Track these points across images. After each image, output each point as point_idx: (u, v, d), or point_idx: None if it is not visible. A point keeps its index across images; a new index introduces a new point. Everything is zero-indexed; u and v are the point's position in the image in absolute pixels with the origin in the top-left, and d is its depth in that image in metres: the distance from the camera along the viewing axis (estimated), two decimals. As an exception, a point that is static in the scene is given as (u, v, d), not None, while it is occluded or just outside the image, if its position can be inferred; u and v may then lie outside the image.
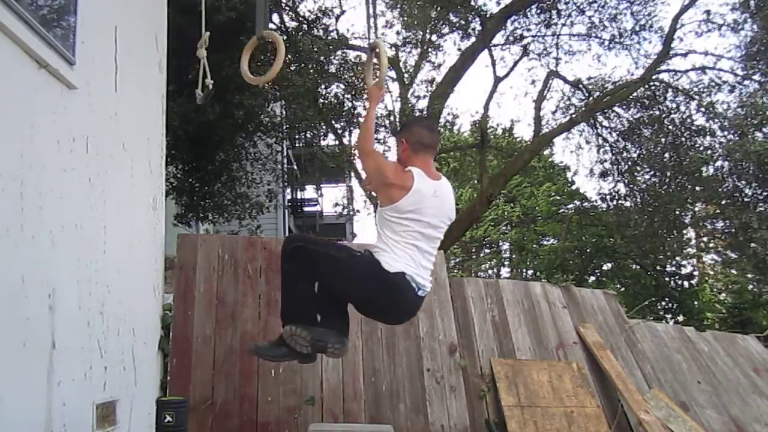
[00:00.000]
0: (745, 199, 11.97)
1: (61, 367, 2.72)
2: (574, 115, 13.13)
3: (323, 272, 2.65)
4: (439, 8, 12.23)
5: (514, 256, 21.35)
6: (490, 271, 22.28)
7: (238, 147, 8.59)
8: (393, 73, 12.83)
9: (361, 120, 11.11)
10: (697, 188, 12.40)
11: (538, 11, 12.47)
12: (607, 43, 12.64)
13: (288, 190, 15.79)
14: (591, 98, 13.01)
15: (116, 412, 3.29)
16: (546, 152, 17.74)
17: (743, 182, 11.97)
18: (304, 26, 10.29)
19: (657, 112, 12.65)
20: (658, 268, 16.44)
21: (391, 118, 12.12)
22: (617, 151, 13.53)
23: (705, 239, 16.74)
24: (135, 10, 3.90)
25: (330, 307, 2.71)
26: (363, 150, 2.72)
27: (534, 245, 19.44)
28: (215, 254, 4.75)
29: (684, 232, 14.98)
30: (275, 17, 9.67)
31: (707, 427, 5.49)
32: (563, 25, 12.69)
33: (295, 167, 15.78)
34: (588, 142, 14.05)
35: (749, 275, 15.09)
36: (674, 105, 12.58)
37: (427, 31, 13.03)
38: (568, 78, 13.50)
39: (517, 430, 4.72)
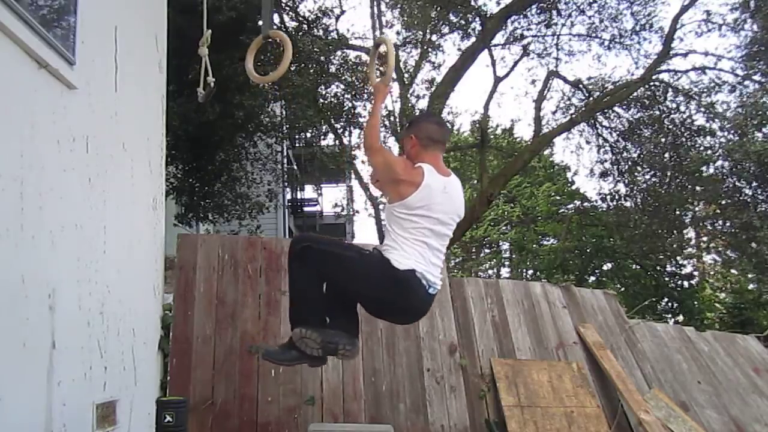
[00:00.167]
0: (746, 199, 11.97)
1: (61, 367, 2.72)
2: (574, 115, 13.14)
3: (332, 272, 2.60)
4: (439, 8, 12.23)
5: (514, 256, 21.35)
6: (490, 271, 22.28)
7: (238, 147, 8.60)
8: (393, 73, 12.83)
9: (363, 120, 11.13)
10: (698, 188, 12.41)
11: (538, 11, 12.48)
12: (607, 43, 12.67)
13: (288, 190, 15.80)
14: (591, 98, 13.02)
15: (116, 412, 3.29)
16: (546, 152, 17.76)
17: (743, 182, 11.98)
18: (304, 26, 10.30)
19: (657, 112, 12.65)
20: (658, 268, 16.45)
21: (391, 118, 12.13)
22: (617, 151, 13.53)
23: (705, 239, 16.74)
24: (135, 10, 3.90)
25: (339, 308, 2.67)
26: (370, 146, 2.69)
27: (534, 245, 19.44)
28: (215, 254, 4.75)
29: (684, 232, 14.98)
30: (275, 17, 9.67)
31: (707, 427, 5.49)
32: (563, 25, 12.71)
33: (295, 167, 15.78)
34: (588, 142, 14.07)
35: (750, 275, 15.10)
36: (674, 105, 12.59)
37: (427, 31, 13.03)
38: (568, 78, 13.52)
39: (517, 430, 4.72)
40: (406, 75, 13.35)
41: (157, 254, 4.13)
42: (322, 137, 13.04)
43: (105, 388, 3.17)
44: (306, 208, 18.43)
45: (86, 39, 3.03)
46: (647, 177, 13.38)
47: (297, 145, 15.18)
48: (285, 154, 13.26)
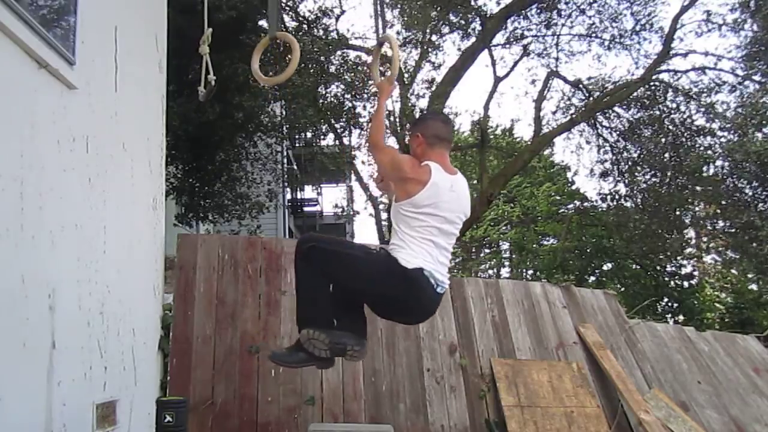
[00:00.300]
0: (746, 199, 11.97)
1: (61, 367, 2.72)
2: (574, 115, 13.15)
3: (339, 272, 2.57)
4: (439, 8, 12.24)
5: (514, 256, 21.35)
6: (490, 271, 22.28)
7: (238, 147, 8.60)
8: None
9: (363, 120, 11.13)
10: (698, 188, 12.41)
11: (538, 11, 12.49)
12: (607, 43, 12.69)
13: (288, 190, 15.80)
14: (591, 98, 13.03)
15: (116, 412, 3.28)
16: (546, 152, 17.78)
17: (744, 182, 11.98)
18: (305, 26, 10.31)
19: (657, 112, 12.66)
20: (658, 268, 16.45)
21: (391, 118, 12.13)
22: (617, 151, 13.54)
23: (705, 239, 16.74)
24: (135, 10, 3.90)
25: (346, 309, 2.65)
26: (375, 144, 2.68)
27: (534, 245, 19.43)
28: (215, 254, 4.75)
29: (684, 232, 14.98)
30: (275, 17, 9.66)
31: (707, 427, 5.49)
32: (563, 25, 12.72)
33: (295, 167, 15.78)
34: (588, 142, 14.09)
35: (750, 275, 15.10)
36: (674, 105, 12.60)
37: (427, 31, 13.03)
38: (568, 78, 13.54)
39: (517, 430, 4.71)
40: (406, 75, 13.35)
41: (157, 254, 4.13)
42: (322, 137, 13.05)
43: (105, 388, 3.17)
44: (306, 208, 18.43)
45: (86, 39, 3.03)
46: (647, 177, 13.39)
47: (297, 145, 15.19)
48: (285, 154, 13.27)
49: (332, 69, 10.32)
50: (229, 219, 8.90)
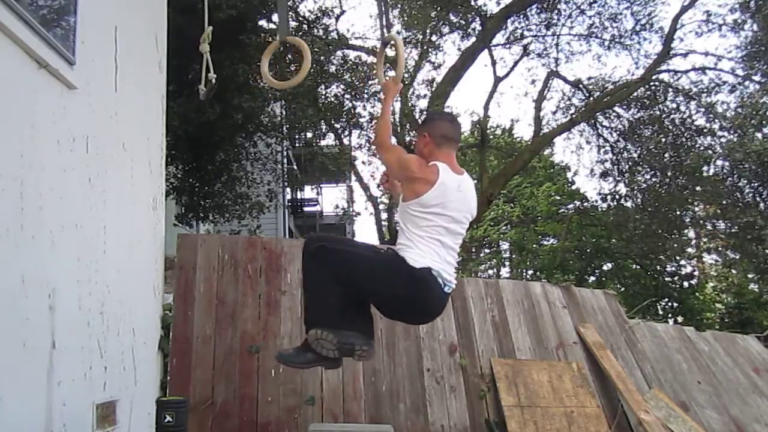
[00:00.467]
0: (746, 199, 11.97)
1: (61, 367, 2.72)
2: (574, 115, 13.15)
3: (347, 271, 2.56)
4: (439, 8, 12.24)
5: (514, 256, 21.35)
6: (490, 271, 22.28)
7: (238, 147, 8.60)
8: (393, 73, 12.82)
9: (363, 120, 11.13)
10: (698, 188, 12.41)
11: (538, 11, 12.49)
12: (607, 43, 12.69)
13: (288, 190, 15.80)
14: (591, 98, 13.03)
15: (116, 412, 3.29)
16: (546, 152, 17.77)
17: (744, 182, 11.98)
18: (305, 26, 10.30)
19: (657, 112, 12.66)
20: (658, 268, 16.45)
21: (391, 118, 12.11)
22: (618, 151, 13.54)
23: (705, 240, 16.74)
24: (135, 10, 3.90)
25: (353, 309, 2.63)
26: (382, 145, 2.69)
27: (534, 245, 19.43)
28: (215, 254, 4.75)
29: (684, 232, 14.98)
30: (275, 17, 9.67)
31: (707, 427, 5.49)
32: (563, 25, 12.72)
33: (295, 167, 15.78)
34: (588, 142, 14.09)
35: (750, 275, 15.10)
36: (674, 105, 12.61)
37: (427, 31, 13.03)
38: (568, 78, 13.55)
39: (517, 430, 4.72)
40: (406, 75, 13.34)
41: (157, 254, 4.13)
42: (322, 137, 13.05)
43: (105, 388, 3.18)
44: (306, 208, 18.43)
45: (86, 39, 3.03)
46: (647, 177, 13.39)
47: (297, 145, 15.19)
48: (285, 154, 13.27)
49: (332, 69, 10.32)
50: (229, 219, 8.90)
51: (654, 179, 13.20)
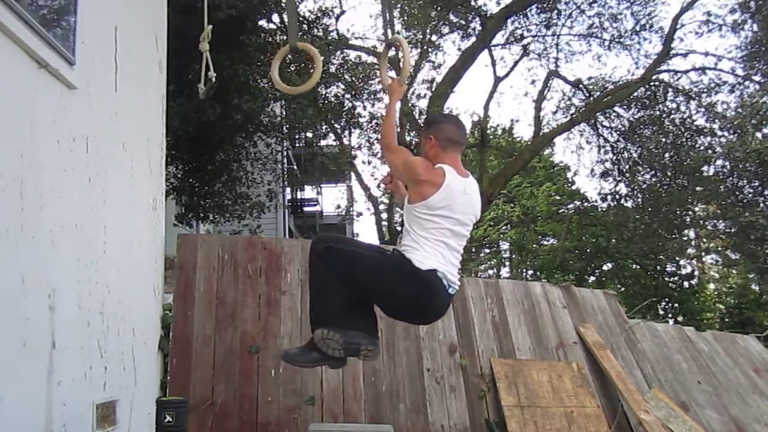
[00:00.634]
0: (745, 199, 11.98)
1: (61, 367, 2.72)
2: (574, 115, 13.15)
3: (354, 272, 2.58)
4: (439, 8, 12.24)
5: (514, 256, 21.35)
6: (490, 271, 22.29)
7: (238, 147, 8.60)
8: (393, 73, 12.84)
9: (363, 120, 11.13)
10: (698, 188, 12.41)
11: (538, 11, 12.49)
12: (607, 43, 12.69)
13: (288, 190, 15.80)
14: (591, 98, 13.02)
15: (116, 412, 3.29)
16: (546, 152, 17.77)
17: (744, 181, 11.99)
18: (304, 26, 10.29)
19: (657, 112, 12.66)
20: (658, 268, 16.45)
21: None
22: (618, 151, 13.54)
23: (705, 240, 16.75)
24: (135, 10, 3.90)
25: (358, 309, 2.66)
26: (388, 146, 2.70)
27: (534, 245, 19.44)
28: (215, 254, 4.75)
29: (685, 231, 14.98)
30: (275, 17, 9.68)
31: (707, 427, 5.49)
32: (563, 25, 12.72)
33: (295, 167, 15.78)
34: (588, 142, 14.09)
35: (750, 275, 15.10)
36: (674, 105, 12.61)
37: (427, 31, 13.03)
38: (568, 78, 13.55)
39: (517, 430, 4.71)
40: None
41: (157, 254, 4.13)
42: (322, 137, 13.05)
43: (105, 388, 3.18)
44: (306, 208, 18.43)
45: (86, 39, 3.03)
46: (647, 177, 13.39)
47: (297, 145, 15.19)
48: (285, 154, 13.28)
49: (332, 69, 10.31)
50: (229, 219, 8.91)
51: (654, 179, 13.20)
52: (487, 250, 22.53)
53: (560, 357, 5.50)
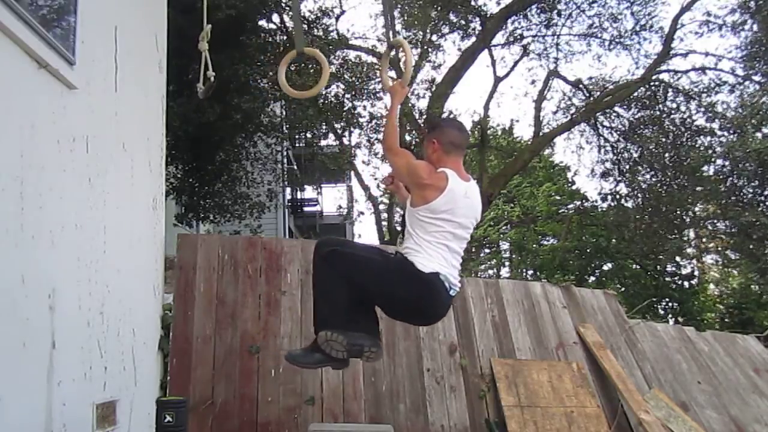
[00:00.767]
0: (745, 199, 11.98)
1: (61, 367, 2.72)
2: (574, 115, 13.14)
3: (358, 274, 2.61)
4: (439, 8, 12.23)
5: (514, 256, 21.34)
6: (490, 271, 22.27)
7: (238, 147, 8.61)
8: (393, 73, 12.85)
9: (363, 120, 11.12)
10: (698, 188, 12.41)
11: (538, 11, 12.48)
12: (607, 43, 12.67)
13: (288, 190, 15.79)
14: (591, 98, 13.02)
15: (116, 412, 3.29)
16: (546, 152, 17.75)
17: (744, 181, 11.99)
18: (304, 26, 10.29)
19: (657, 112, 12.66)
20: (658, 268, 16.45)
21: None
22: (618, 151, 13.53)
23: (705, 240, 16.75)
24: (135, 10, 3.90)
25: (361, 310, 2.68)
26: (390, 148, 2.72)
27: (534, 245, 19.43)
28: (215, 254, 4.75)
29: (685, 231, 14.98)
30: (275, 17, 9.68)
31: (707, 427, 5.49)
32: (563, 25, 12.71)
33: (295, 167, 15.78)
34: (588, 142, 14.08)
35: (750, 275, 15.10)
36: (674, 105, 12.60)
37: (427, 31, 13.03)
38: (568, 78, 13.53)
39: (517, 430, 4.71)
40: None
41: (157, 254, 4.13)
42: (322, 137, 13.04)
43: (105, 388, 3.18)
44: (306, 208, 18.43)
45: (86, 39, 3.03)
46: (648, 177, 13.39)
47: (297, 145, 15.18)
48: (285, 154, 13.27)
49: (332, 69, 10.31)
50: (230, 219, 8.91)
51: (654, 179, 13.20)
52: (487, 250, 22.51)
53: (560, 357, 5.50)
